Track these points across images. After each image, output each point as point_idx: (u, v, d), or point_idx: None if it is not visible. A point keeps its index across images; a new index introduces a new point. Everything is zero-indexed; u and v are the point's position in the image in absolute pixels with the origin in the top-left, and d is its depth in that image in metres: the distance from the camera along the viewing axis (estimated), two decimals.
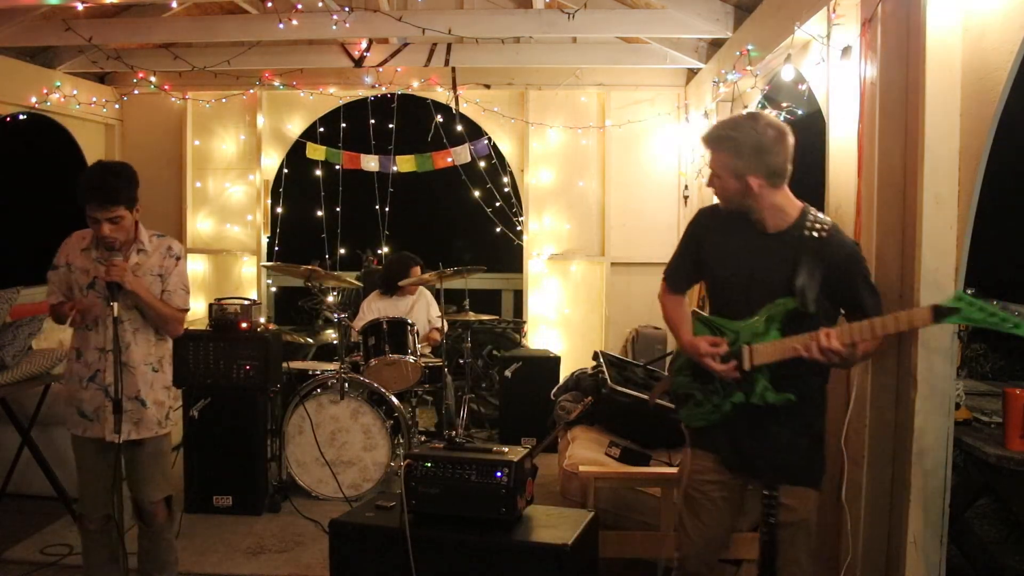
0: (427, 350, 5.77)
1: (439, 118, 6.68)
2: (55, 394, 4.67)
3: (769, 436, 2.57)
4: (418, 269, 5.79)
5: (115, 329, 3.07)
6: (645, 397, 4.20)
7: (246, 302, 4.73)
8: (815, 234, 2.52)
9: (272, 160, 6.92)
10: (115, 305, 3.05)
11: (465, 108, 6.61)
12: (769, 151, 2.50)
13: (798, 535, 2.61)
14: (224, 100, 6.78)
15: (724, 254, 2.67)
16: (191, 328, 5.00)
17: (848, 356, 2.41)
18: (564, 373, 5.64)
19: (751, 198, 2.55)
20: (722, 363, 2.57)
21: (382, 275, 6.00)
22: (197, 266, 6.92)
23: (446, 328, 5.55)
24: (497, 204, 6.73)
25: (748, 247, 2.61)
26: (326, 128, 6.87)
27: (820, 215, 2.59)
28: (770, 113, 4.63)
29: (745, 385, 2.57)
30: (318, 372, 5.06)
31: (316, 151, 6.82)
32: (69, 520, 4.46)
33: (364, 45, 6.18)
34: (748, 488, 2.75)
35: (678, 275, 2.86)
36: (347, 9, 5.19)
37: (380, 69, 6.37)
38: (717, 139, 2.58)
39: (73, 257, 3.26)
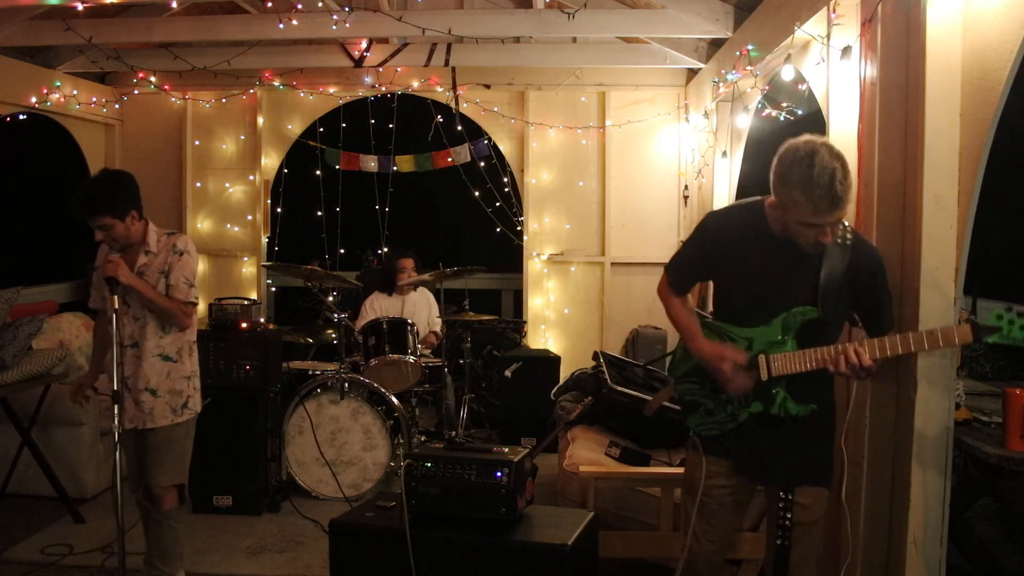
0: (426, 352, 5.78)
1: (439, 118, 6.68)
2: (55, 394, 4.68)
3: (787, 443, 2.56)
4: (410, 261, 5.81)
5: (116, 323, 3.20)
6: (645, 397, 4.20)
7: (246, 302, 4.74)
8: (839, 242, 2.46)
9: (272, 160, 6.92)
10: (115, 299, 3.18)
11: (465, 108, 6.61)
12: None
13: (811, 533, 2.64)
14: (224, 100, 6.77)
15: (747, 261, 2.59)
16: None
17: (874, 372, 2.38)
18: (564, 373, 5.64)
19: None
20: (744, 377, 2.53)
21: (379, 275, 6.07)
22: (198, 266, 6.91)
23: (444, 331, 5.56)
24: (497, 204, 6.73)
25: (771, 255, 2.54)
26: (326, 128, 6.87)
27: (842, 221, 2.49)
28: (771, 112, 4.65)
29: (763, 395, 2.53)
30: (318, 372, 5.06)
31: (315, 153, 6.81)
32: (69, 520, 4.47)
33: (364, 45, 6.18)
34: (758, 489, 2.76)
35: (687, 276, 2.79)
36: (347, 9, 5.19)
37: (380, 69, 6.37)
38: (846, 191, 2.35)
39: (101, 258, 3.43)
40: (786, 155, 2.38)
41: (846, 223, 2.52)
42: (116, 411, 3.10)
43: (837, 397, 3.17)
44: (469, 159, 6.68)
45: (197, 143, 6.87)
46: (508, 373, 5.78)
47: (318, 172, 6.96)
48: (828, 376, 2.48)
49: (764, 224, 2.56)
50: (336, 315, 5.19)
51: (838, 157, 2.35)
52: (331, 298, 6.78)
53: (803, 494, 2.61)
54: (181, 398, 3.43)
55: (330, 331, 6.32)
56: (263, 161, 6.83)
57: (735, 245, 2.61)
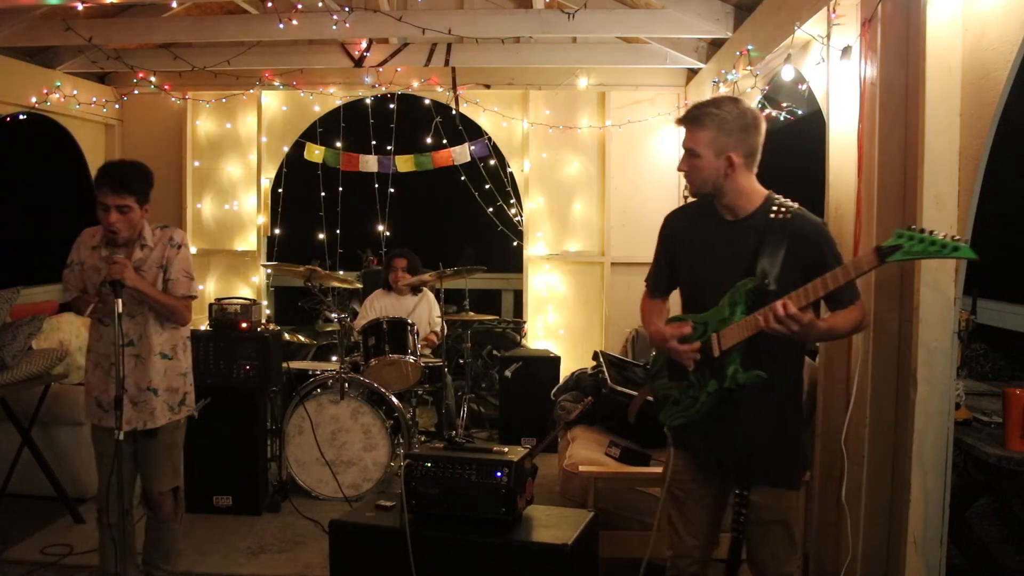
0: (426, 351, 5.78)
1: (439, 118, 6.68)
2: (55, 394, 4.68)
3: (741, 426, 2.56)
4: (402, 261, 5.81)
5: (118, 325, 3.05)
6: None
7: (246, 302, 4.74)
8: (779, 216, 2.53)
9: (272, 160, 6.92)
10: (119, 301, 3.06)
11: (465, 108, 6.61)
12: (751, 130, 2.53)
13: (772, 532, 2.61)
14: (224, 100, 6.78)
15: (694, 250, 2.69)
16: (191, 328, 5.01)
17: (808, 324, 2.36)
18: (564, 373, 5.64)
19: (726, 179, 2.53)
20: (687, 344, 2.58)
21: (381, 274, 6.11)
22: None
23: (445, 331, 5.56)
24: (497, 204, 6.73)
25: (716, 239, 2.62)
26: (326, 128, 6.87)
27: (786, 200, 2.58)
28: (771, 112, 4.66)
29: (717, 372, 2.55)
30: (318, 372, 5.06)
31: (314, 153, 6.82)
32: (69, 520, 4.47)
33: (364, 45, 6.18)
34: (727, 485, 2.74)
35: (657, 279, 2.87)
36: (347, 9, 5.19)
37: (380, 69, 6.37)
38: (700, 116, 2.55)
39: (84, 255, 3.34)
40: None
41: (789, 200, 2.57)
42: (119, 415, 3.01)
43: (837, 397, 3.18)
44: (469, 159, 6.68)
45: (197, 143, 6.87)
46: (508, 373, 5.78)
47: (318, 172, 6.95)
48: (780, 345, 2.48)
49: (712, 208, 2.64)
50: (336, 315, 5.19)
51: (737, 102, 2.57)
52: (331, 298, 6.79)
53: (760, 493, 2.59)
54: (178, 395, 3.40)
55: (330, 331, 6.33)
56: (263, 161, 6.83)
57: (686, 236, 2.73)
